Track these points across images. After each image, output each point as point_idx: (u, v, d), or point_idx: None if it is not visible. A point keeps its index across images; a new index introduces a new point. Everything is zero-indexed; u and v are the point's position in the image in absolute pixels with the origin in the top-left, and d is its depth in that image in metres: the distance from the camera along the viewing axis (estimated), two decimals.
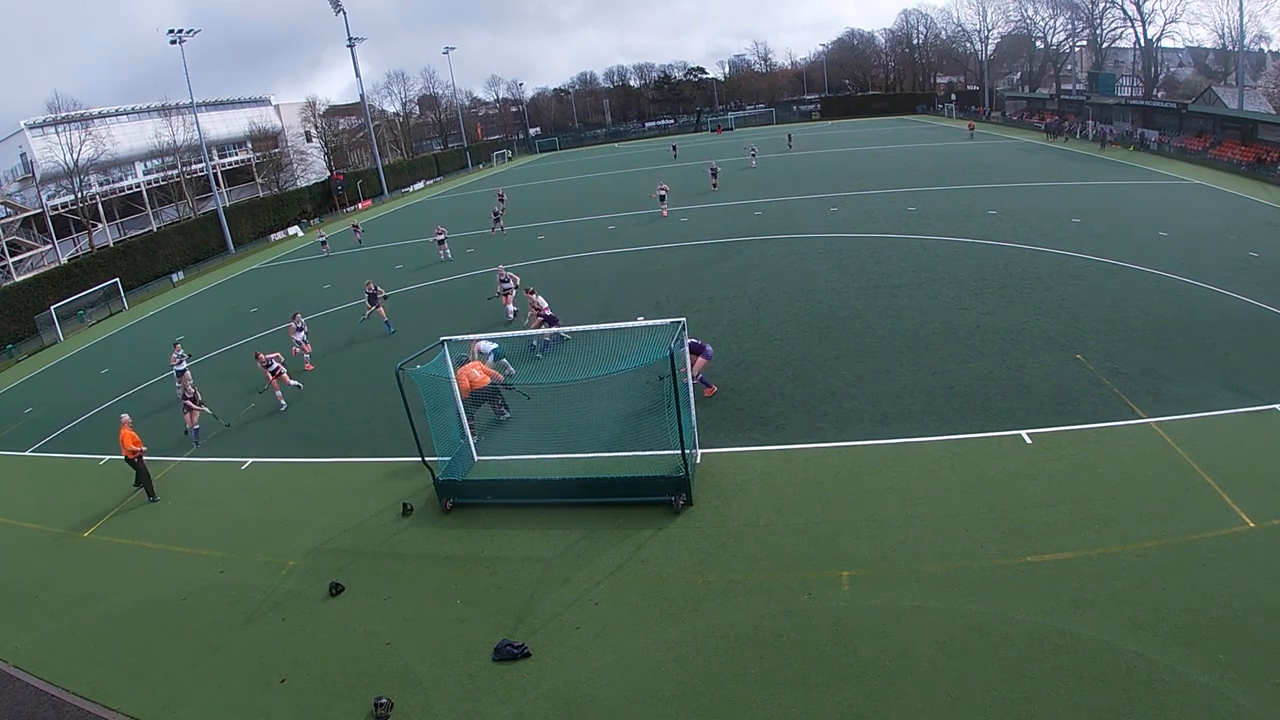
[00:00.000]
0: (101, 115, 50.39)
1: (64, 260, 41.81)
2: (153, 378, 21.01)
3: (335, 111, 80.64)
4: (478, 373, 13.24)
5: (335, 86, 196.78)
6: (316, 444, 14.40)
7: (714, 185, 38.39)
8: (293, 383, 17.04)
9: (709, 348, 13.38)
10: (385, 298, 21.64)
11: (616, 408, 13.30)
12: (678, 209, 34.59)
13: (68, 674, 8.73)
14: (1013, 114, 66.09)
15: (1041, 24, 75.00)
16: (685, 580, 8.84)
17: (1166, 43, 63.78)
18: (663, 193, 33.40)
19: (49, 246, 45.03)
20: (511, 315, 20.28)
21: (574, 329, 15.52)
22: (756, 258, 23.63)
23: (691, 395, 11.49)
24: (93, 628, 9.65)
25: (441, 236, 30.83)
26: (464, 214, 44.78)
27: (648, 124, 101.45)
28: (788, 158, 50.63)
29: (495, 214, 35.51)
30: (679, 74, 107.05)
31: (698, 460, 11.43)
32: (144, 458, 13.36)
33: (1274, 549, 8.03)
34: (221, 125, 60.15)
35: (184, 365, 18.17)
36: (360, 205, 58.76)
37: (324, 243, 39.09)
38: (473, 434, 12.38)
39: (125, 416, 13.85)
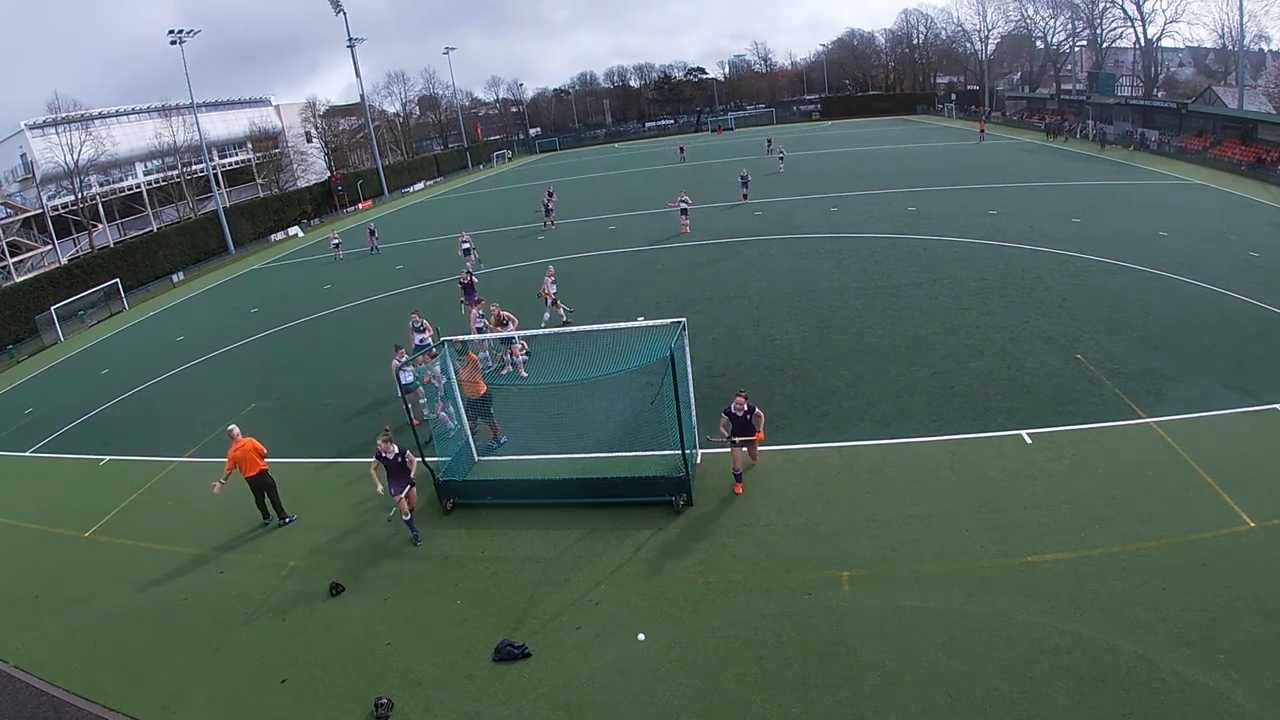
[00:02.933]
0: (101, 115, 50.37)
1: (64, 260, 41.79)
2: (153, 377, 21.01)
3: (335, 112, 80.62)
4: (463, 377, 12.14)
5: (335, 87, 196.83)
6: (316, 444, 14.40)
7: (744, 196, 33.58)
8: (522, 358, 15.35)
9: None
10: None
11: (616, 408, 13.28)
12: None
13: (68, 674, 8.74)
14: (1013, 114, 66.10)
15: (1041, 24, 75.13)
16: (685, 580, 8.84)
17: (1166, 42, 63.86)
18: (684, 204, 29.11)
19: (49, 247, 45.03)
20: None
21: (574, 329, 15.51)
22: (757, 258, 23.62)
23: (692, 396, 11.48)
24: (93, 628, 9.65)
25: (467, 245, 26.77)
26: (474, 215, 44.86)
27: (648, 124, 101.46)
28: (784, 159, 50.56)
29: (547, 208, 34.33)
30: (679, 74, 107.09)
31: (698, 460, 11.42)
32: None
33: (1274, 549, 8.03)
34: (221, 126, 60.15)
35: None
36: (360, 205, 58.77)
37: (337, 245, 36.20)
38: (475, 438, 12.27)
39: (234, 428, 11.61)
